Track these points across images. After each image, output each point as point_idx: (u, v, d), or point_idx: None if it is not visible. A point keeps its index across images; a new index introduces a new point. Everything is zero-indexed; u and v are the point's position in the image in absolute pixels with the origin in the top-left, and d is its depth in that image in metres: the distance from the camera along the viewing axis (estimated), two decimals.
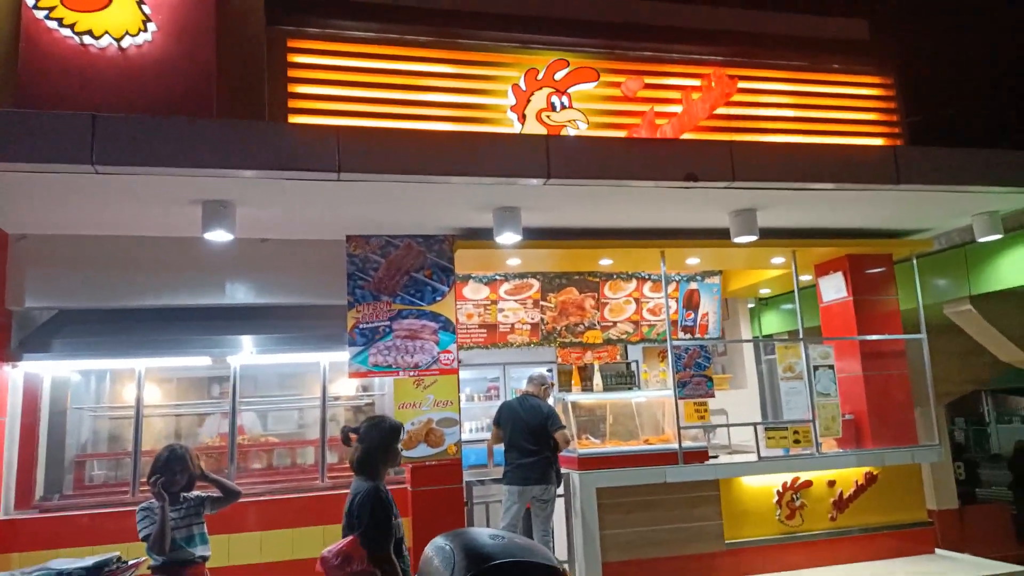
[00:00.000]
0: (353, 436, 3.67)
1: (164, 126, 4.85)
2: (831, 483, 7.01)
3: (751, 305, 10.45)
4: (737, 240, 6.39)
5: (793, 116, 8.15)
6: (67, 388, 6.66)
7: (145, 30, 6.00)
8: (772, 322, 11.00)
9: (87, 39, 5.87)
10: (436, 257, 6.60)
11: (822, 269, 7.90)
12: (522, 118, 7.18)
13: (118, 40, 5.93)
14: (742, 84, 7.61)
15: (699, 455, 6.71)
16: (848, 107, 8.42)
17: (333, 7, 6.94)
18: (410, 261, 6.56)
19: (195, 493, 4.15)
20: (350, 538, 3.33)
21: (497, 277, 8.21)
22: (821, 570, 6.70)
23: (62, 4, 5.85)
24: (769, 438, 6.90)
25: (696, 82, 7.63)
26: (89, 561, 4.48)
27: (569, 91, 7.32)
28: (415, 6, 7.16)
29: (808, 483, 6.95)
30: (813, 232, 7.21)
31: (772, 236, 6.90)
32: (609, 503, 6.39)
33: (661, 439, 7.07)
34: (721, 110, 7.51)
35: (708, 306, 8.88)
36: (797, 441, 6.86)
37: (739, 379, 9.65)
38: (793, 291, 7.52)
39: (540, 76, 7.26)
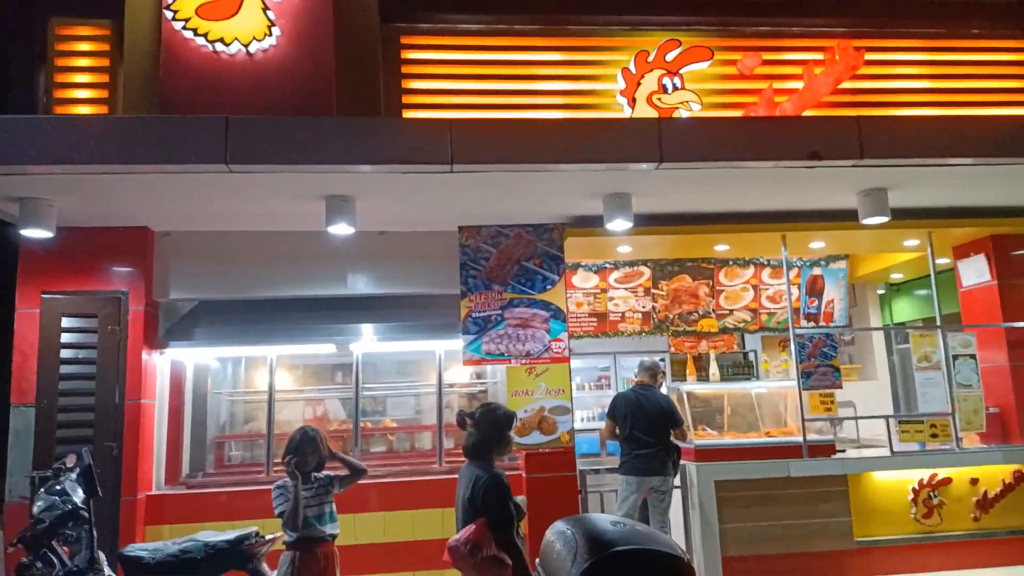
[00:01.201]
0: (469, 421, 3.74)
1: (290, 126, 5.11)
2: (974, 481, 6.50)
3: (881, 291, 9.82)
4: (866, 222, 6.03)
5: (928, 88, 7.54)
6: (207, 374, 7.18)
7: (270, 35, 6.33)
8: (904, 309, 10.28)
9: (219, 46, 6.25)
10: (546, 246, 6.62)
11: (961, 251, 7.33)
12: (632, 102, 7.04)
13: (246, 46, 6.28)
14: (869, 56, 7.13)
15: (825, 449, 6.40)
16: (990, 75, 7.69)
17: (444, 2, 7.06)
18: (520, 250, 6.60)
19: (325, 473, 4.36)
20: (476, 524, 3.36)
21: (607, 265, 8.13)
22: (962, 573, 6.25)
23: (197, 15, 6.26)
24: (903, 432, 6.49)
25: (818, 56, 7.23)
26: (231, 535, 4.84)
27: (681, 72, 7.10)
28: None
29: (947, 480, 6.47)
30: (951, 211, 6.69)
31: (905, 217, 6.45)
32: (728, 496, 6.20)
33: (783, 431, 6.79)
34: (846, 84, 7.07)
35: (833, 293, 8.42)
36: (934, 435, 6.43)
37: (868, 370, 9.11)
38: (929, 275, 7.01)
39: (651, 58, 7.08)
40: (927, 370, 6.70)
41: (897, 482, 6.44)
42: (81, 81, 6.68)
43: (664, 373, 7.24)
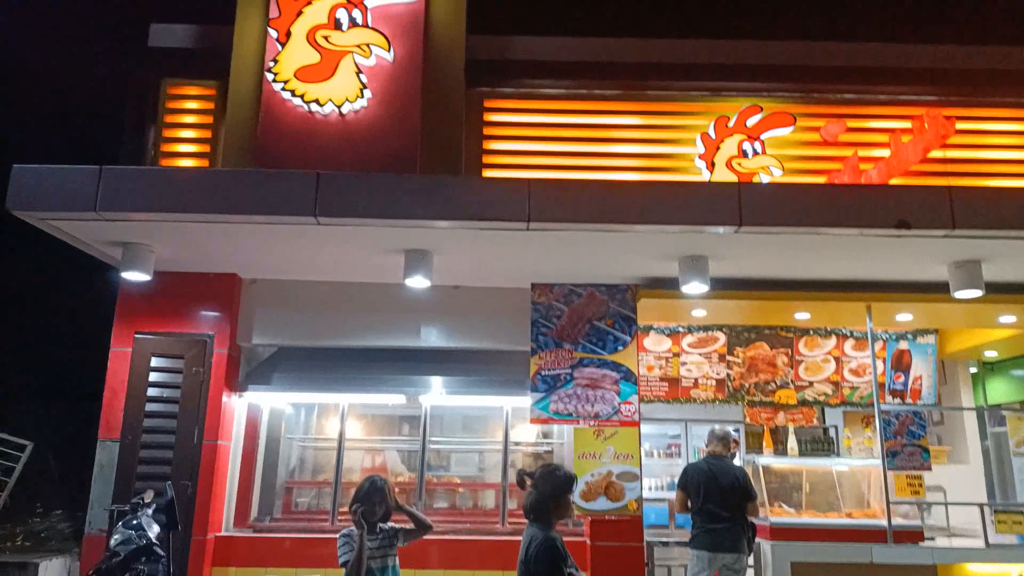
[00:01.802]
0: (528, 480, 3.69)
1: (376, 182, 5.31)
2: None
3: (973, 369, 9.26)
4: (958, 295, 5.76)
5: (1022, 159, 7.26)
6: (282, 419, 7.35)
7: (362, 97, 6.66)
8: (999, 389, 9.64)
9: (314, 107, 6.62)
10: (618, 306, 6.57)
11: None
12: (711, 166, 7.03)
13: (339, 107, 6.63)
14: (961, 125, 6.94)
15: (912, 535, 5.99)
16: None
17: (527, 68, 7.29)
18: (592, 309, 6.58)
19: (391, 524, 4.34)
20: None
21: (680, 329, 7.98)
22: None
23: (295, 77, 6.67)
24: (999, 522, 6.02)
25: (906, 124, 7.08)
26: None
27: (762, 137, 7.07)
28: (604, 61, 7.33)
29: None
30: None
31: (1000, 291, 6.14)
32: None
33: (866, 513, 6.41)
34: (936, 153, 6.88)
35: (921, 368, 8.00)
36: None
37: (959, 453, 8.53)
38: None
39: (731, 123, 7.09)
40: None
41: None
42: (186, 136, 7.17)
43: (736, 443, 6.96)
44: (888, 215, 5.16)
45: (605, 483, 6.17)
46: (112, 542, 4.70)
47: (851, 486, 6.96)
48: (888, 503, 6.00)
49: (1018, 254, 5.54)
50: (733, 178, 6.91)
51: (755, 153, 7.01)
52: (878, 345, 7.92)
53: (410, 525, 4.42)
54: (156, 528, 4.75)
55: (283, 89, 6.67)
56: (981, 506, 6.22)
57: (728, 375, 7.96)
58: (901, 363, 7.95)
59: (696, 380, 8.03)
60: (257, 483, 6.96)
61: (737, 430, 8.39)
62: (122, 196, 5.17)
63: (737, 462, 6.31)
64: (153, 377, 6.33)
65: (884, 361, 7.97)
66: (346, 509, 4.93)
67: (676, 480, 6.24)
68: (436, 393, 6.79)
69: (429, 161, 6.69)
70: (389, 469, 7.58)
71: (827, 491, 6.91)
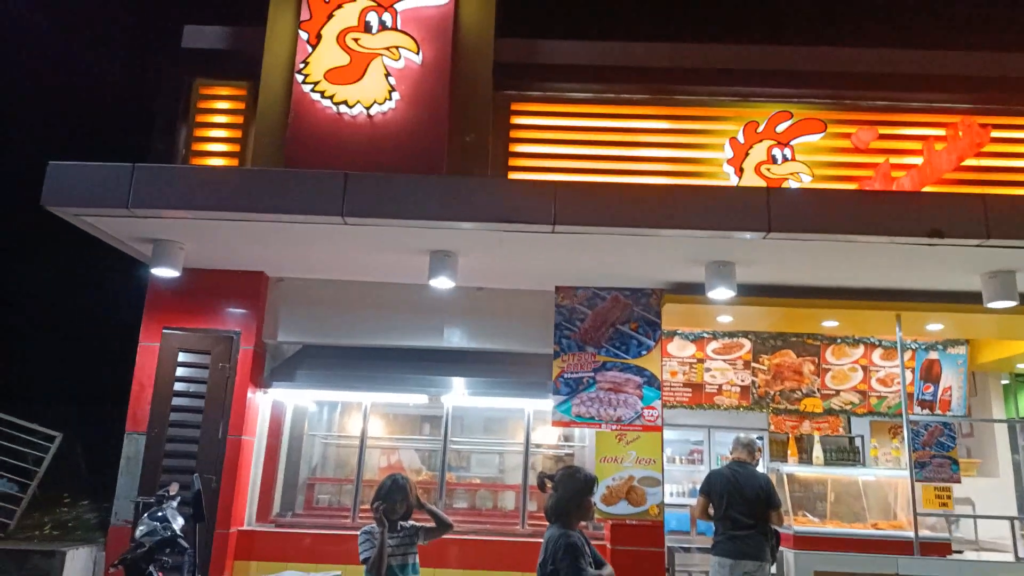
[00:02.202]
0: (549, 483, 3.68)
1: (402, 183, 5.35)
2: None
3: (1005, 381, 9.07)
4: (991, 305, 5.66)
5: None
6: (305, 416, 7.41)
7: (390, 99, 6.71)
8: None
9: (343, 108, 6.68)
10: (643, 311, 6.54)
11: None
12: (739, 171, 6.97)
13: (368, 108, 6.68)
14: (996, 133, 6.81)
15: (940, 548, 5.89)
16: None
17: (555, 72, 7.29)
18: (616, 313, 6.55)
19: (411, 522, 4.36)
20: None
21: (704, 335, 7.92)
22: None
23: (325, 79, 6.73)
24: None
25: (939, 131, 6.96)
26: None
27: (792, 143, 7.00)
28: (633, 65, 7.30)
29: None
30: None
31: None
32: None
33: (892, 524, 6.32)
34: (970, 162, 6.76)
35: (951, 379, 7.86)
36: None
37: (989, 466, 8.36)
38: None
39: (760, 129, 7.02)
40: None
41: None
42: (216, 136, 7.27)
43: (760, 451, 6.88)
44: (921, 223, 5.08)
45: (627, 487, 6.14)
46: (137, 533, 4.76)
47: (877, 497, 6.86)
48: (915, 515, 5.90)
49: None
50: (762, 184, 6.84)
51: (784, 159, 6.94)
52: (907, 355, 7.79)
53: (431, 524, 4.43)
54: (181, 520, 4.80)
55: (313, 91, 6.73)
56: (1012, 519, 6.10)
57: (753, 382, 7.89)
58: (931, 374, 7.81)
59: (720, 386, 7.96)
60: (280, 479, 7.03)
61: (761, 438, 8.31)
62: (153, 194, 5.26)
63: (761, 470, 6.24)
64: (180, 372, 6.42)
65: (913, 371, 7.84)
66: (367, 506, 4.96)
67: (698, 486, 6.19)
68: (458, 394, 6.81)
69: (456, 163, 6.71)
70: (406, 467, 7.61)
71: (852, 501, 6.81)
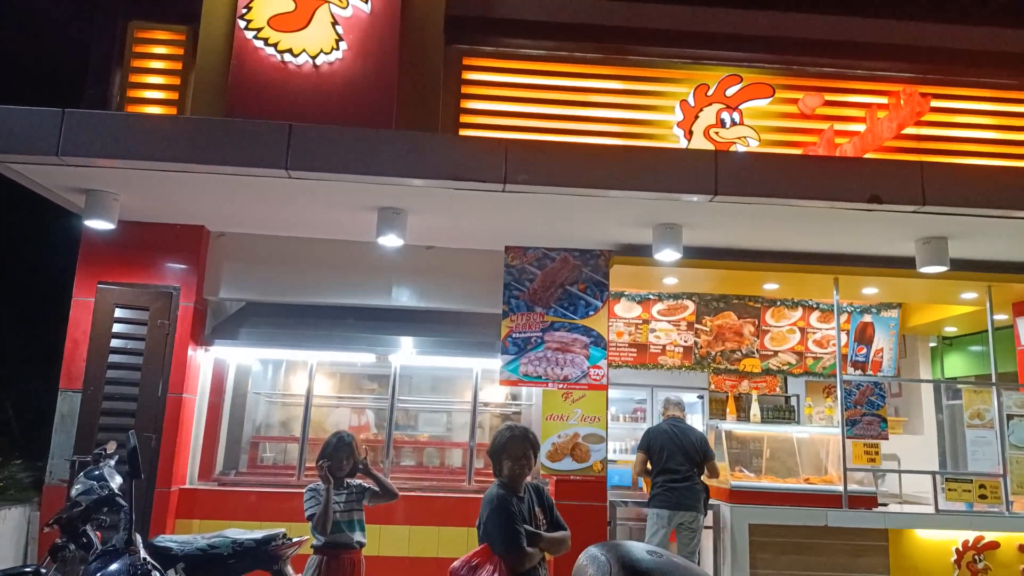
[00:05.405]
0: None
1: (349, 136, 5.21)
2: (1023, 547, 6.20)
3: (932, 344, 9.52)
4: (924, 271, 5.88)
5: (994, 139, 7.36)
6: (248, 374, 7.29)
7: (337, 49, 6.49)
8: (957, 364, 9.94)
9: (287, 57, 6.43)
10: (591, 272, 6.59)
11: (1022, 308, 7.05)
12: (689, 134, 7.01)
13: (313, 58, 6.45)
14: (935, 103, 7.00)
15: (867, 500, 6.18)
16: None
17: (508, 27, 7.14)
18: (565, 274, 6.59)
19: (357, 481, 4.36)
20: (481, 548, 3.31)
21: (651, 296, 8.05)
22: None
23: (268, 26, 6.46)
24: (949, 490, 6.24)
25: (882, 100, 7.12)
26: (259, 534, 4.86)
27: (741, 107, 7.06)
28: (587, 23, 7.20)
29: (994, 544, 6.18)
30: (1013, 266, 6.48)
31: (964, 268, 6.28)
32: (762, 541, 6.03)
33: (823, 479, 6.60)
34: (910, 130, 6.94)
35: (883, 341, 8.20)
36: (983, 496, 6.17)
37: (914, 424, 8.81)
38: (984, 331, 6.78)
39: (710, 92, 7.06)
40: (979, 428, 6.46)
41: (940, 542, 6.18)
42: (153, 82, 6.94)
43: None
44: (860, 189, 5.21)
45: (572, 444, 6.26)
46: (73, 492, 4.63)
47: (810, 453, 7.15)
48: (845, 470, 6.18)
49: (984, 232, 5.65)
50: (710, 147, 6.90)
51: (733, 123, 7.00)
52: (843, 317, 8.08)
53: (377, 488, 4.43)
54: (118, 479, 4.69)
55: (256, 37, 6.46)
56: (933, 474, 6.44)
57: (696, 343, 8.07)
58: (864, 336, 8.12)
59: (664, 347, 8.13)
60: (223, 437, 6.93)
61: (702, 397, 8.57)
62: (85, 141, 5.01)
63: (699, 427, 6.44)
64: (117, 328, 6.22)
65: (848, 333, 8.14)
66: (312, 465, 4.93)
67: (639, 444, 6.36)
68: (406, 353, 6.78)
69: (405, 118, 6.57)
70: (349, 425, 7.59)
71: (787, 457, 7.09)
